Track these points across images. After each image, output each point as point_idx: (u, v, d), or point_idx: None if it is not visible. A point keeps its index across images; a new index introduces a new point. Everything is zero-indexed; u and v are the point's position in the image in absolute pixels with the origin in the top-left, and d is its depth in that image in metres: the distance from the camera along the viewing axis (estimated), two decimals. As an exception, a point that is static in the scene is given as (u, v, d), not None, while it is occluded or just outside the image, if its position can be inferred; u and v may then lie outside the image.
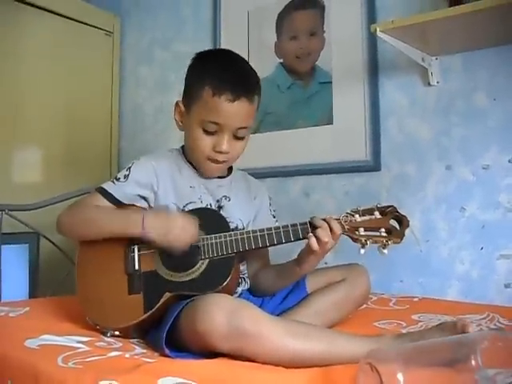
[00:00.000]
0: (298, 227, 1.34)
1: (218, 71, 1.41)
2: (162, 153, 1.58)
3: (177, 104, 1.49)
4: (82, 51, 2.74)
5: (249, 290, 1.55)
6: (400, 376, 0.84)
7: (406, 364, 0.87)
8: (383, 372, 0.86)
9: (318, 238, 1.29)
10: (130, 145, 2.88)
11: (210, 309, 1.11)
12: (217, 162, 1.44)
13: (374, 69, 2.11)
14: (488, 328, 1.39)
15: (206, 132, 1.40)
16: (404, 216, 1.32)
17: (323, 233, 1.29)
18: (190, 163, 1.52)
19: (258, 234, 1.35)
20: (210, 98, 1.37)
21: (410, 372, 0.86)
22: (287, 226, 1.35)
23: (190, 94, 1.44)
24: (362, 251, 1.29)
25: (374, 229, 1.30)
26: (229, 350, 1.11)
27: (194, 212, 1.41)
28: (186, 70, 1.51)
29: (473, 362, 0.86)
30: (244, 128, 1.42)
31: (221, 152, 1.41)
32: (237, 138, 1.43)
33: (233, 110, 1.37)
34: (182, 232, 1.31)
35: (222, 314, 1.10)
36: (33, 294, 2.23)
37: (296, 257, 1.42)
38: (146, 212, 1.38)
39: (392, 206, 1.33)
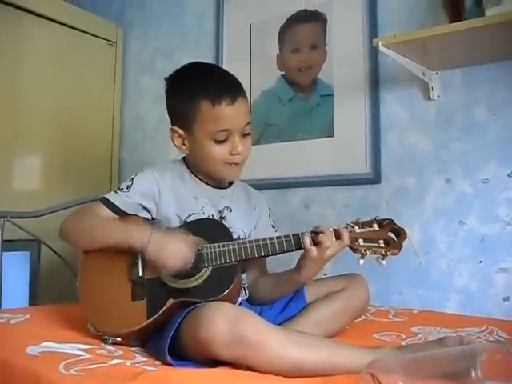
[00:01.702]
0: (300, 236, 1.36)
1: (205, 83, 1.44)
2: (165, 164, 1.60)
3: (173, 131, 1.49)
4: (84, 61, 2.75)
5: (247, 299, 1.56)
6: (401, 387, 0.85)
7: (407, 375, 0.88)
8: (384, 382, 0.86)
9: (319, 243, 1.31)
10: (131, 154, 2.89)
11: (212, 317, 1.12)
12: (235, 164, 1.46)
13: (374, 82, 2.12)
14: (487, 341, 1.39)
15: (218, 142, 1.42)
16: (401, 228, 1.34)
17: (325, 238, 1.31)
18: (194, 174, 1.53)
19: (261, 243, 1.37)
20: (211, 110, 1.39)
21: (411, 383, 0.87)
22: (289, 235, 1.37)
23: (185, 116, 1.45)
24: (361, 262, 1.31)
25: (373, 240, 1.33)
26: (230, 358, 1.11)
27: (197, 222, 1.43)
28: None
29: (473, 375, 0.87)
30: (249, 123, 1.46)
31: (238, 154, 1.44)
32: (244, 134, 1.46)
33: (235, 111, 1.41)
34: (176, 251, 1.31)
35: (224, 321, 1.10)
36: (33, 301, 2.23)
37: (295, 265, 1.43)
38: (153, 230, 1.36)
39: (389, 218, 1.36)
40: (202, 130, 1.42)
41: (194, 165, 1.53)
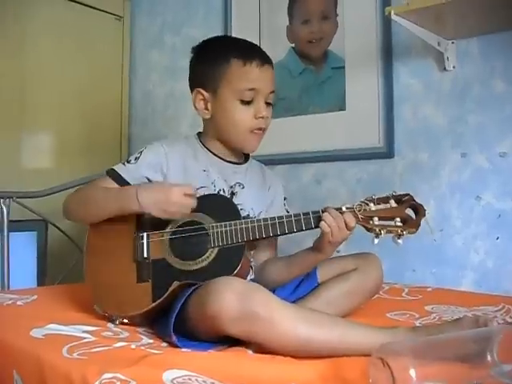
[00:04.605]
0: (311, 216, 1.31)
1: (237, 44, 1.49)
2: (177, 138, 1.61)
3: (197, 92, 1.47)
4: (92, 36, 2.72)
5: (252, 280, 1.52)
6: (412, 372, 0.82)
7: (419, 359, 0.85)
8: (395, 367, 0.83)
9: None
10: (141, 130, 2.87)
11: (221, 291, 1.09)
12: (259, 129, 1.45)
13: (388, 53, 2.06)
14: (504, 321, 1.35)
15: (244, 102, 1.42)
16: (420, 205, 1.29)
17: (332, 222, 1.27)
18: (207, 148, 1.50)
19: (269, 222, 1.33)
20: (242, 68, 1.41)
21: (423, 367, 0.84)
22: (299, 214, 1.32)
23: (212, 77, 1.44)
24: (376, 241, 1.26)
25: (389, 218, 1.27)
26: (239, 334, 1.09)
27: (204, 199, 1.39)
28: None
29: (488, 358, 0.84)
30: (272, 92, 1.46)
31: (262, 117, 1.43)
32: (268, 104, 1.45)
33: (264, 74, 1.43)
34: (179, 206, 1.29)
35: (233, 296, 1.07)
36: (41, 281, 2.23)
37: (310, 246, 1.39)
38: (139, 186, 1.36)
39: (408, 194, 1.31)
40: (229, 88, 1.42)
41: (214, 132, 1.49)
